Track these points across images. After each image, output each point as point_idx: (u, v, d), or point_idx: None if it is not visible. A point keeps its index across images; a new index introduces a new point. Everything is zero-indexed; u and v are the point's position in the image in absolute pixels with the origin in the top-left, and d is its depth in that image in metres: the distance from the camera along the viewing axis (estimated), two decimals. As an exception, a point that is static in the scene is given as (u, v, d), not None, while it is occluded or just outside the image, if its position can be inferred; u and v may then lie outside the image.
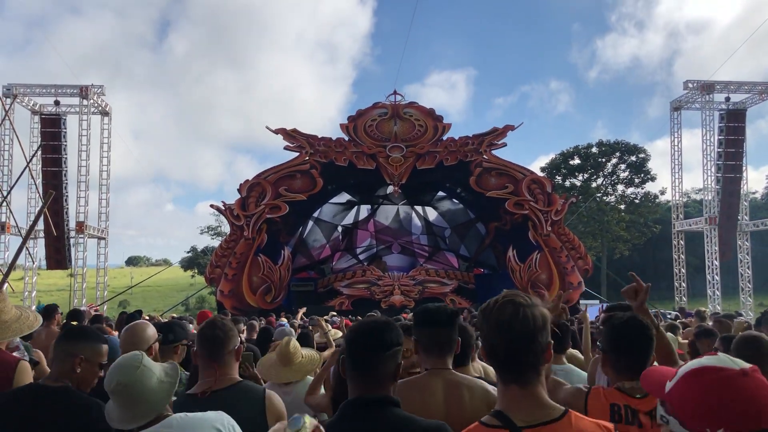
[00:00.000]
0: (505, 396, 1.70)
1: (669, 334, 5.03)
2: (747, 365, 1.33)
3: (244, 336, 6.95)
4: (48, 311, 7.01)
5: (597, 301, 26.42)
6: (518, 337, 1.65)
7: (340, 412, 2.04)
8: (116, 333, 5.55)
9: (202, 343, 2.71)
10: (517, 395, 1.67)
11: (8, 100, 23.21)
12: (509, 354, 1.67)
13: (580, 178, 51.05)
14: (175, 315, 15.30)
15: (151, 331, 3.32)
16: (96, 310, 10.48)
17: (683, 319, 10.55)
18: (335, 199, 24.17)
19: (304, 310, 9.95)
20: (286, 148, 21.19)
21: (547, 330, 1.69)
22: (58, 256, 23.84)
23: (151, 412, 2.10)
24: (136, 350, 2.72)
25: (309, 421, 1.61)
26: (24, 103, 24.80)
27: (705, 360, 1.37)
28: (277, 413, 2.73)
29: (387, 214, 25.57)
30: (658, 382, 1.45)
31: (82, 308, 15.86)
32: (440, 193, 24.82)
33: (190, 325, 7.68)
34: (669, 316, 12.43)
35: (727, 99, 26.69)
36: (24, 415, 2.49)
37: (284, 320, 9.73)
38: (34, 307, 18.62)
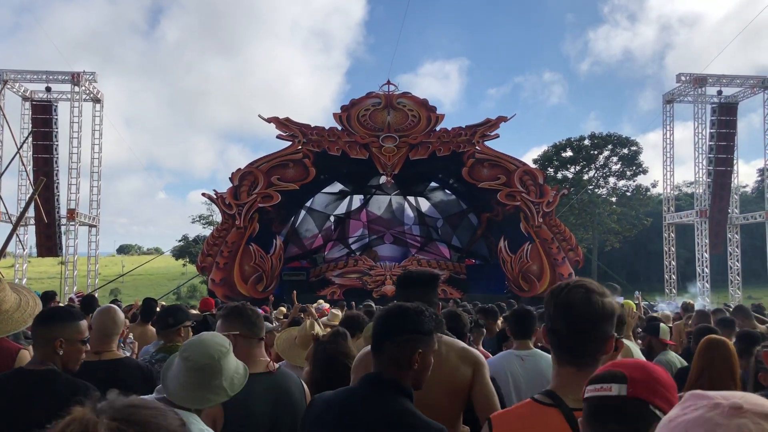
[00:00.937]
0: (559, 376, 1.73)
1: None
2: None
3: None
4: (46, 298, 7.02)
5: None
6: (582, 320, 1.69)
7: (359, 382, 2.11)
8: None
9: (251, 327, 2.69)
10: (572, 377, 1.68)
11: (-2, 86, 23.02)
12: (570, 335, 1.71)
13: (572, 170, 51.16)
14: (164, 303, 15.27)
15: (123, 315, 3.40)
16: (80, 297, 10.41)
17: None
18: (328, 189, 24.15)
19: (295, 293, 9.97)
20: (279, 137, 21.14)
21: (612, 321, 1.71)
22: (49, 244, 23.72)
23: (214, 400, 2.12)
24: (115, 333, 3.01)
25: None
26: (15, 89, 24.58)
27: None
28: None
29: (379, 204, 25.57)
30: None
31: (72, 296, 15.82)
32: (433, 184, 24.84)
33: (193, 311, 7.69)
34: (656, 309, 12.50)
35: (719, 92, 26.77)
36: (11, 400, 2.50)
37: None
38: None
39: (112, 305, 3.52)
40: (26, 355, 3.19)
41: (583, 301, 1.69)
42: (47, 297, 7.07)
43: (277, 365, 2.78)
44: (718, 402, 0.83)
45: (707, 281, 26.54)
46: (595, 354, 1.70)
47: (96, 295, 9.67)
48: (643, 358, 4.02)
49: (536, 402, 1.70)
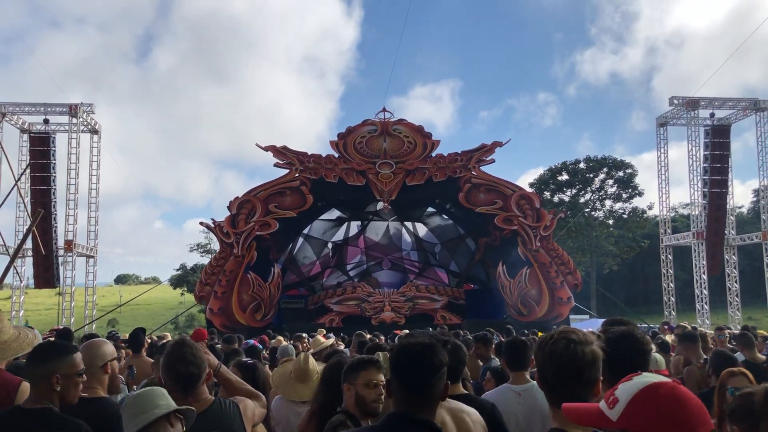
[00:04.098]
0: (559, 417, 1.84)
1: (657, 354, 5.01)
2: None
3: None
4: (64, 337, 6.99)
5: (587, 316, 26.54)
6: (566, 368, 1.84)
7: (385, 421, 2.06)
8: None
9: (175, 380, 2.63)
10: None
11: (-3, 119, 23.16)
12: (557, 382, 1.87)
13: (569, 193, 51.37)
14: (167, 335, 15.18)
15: (107, 348, 3.19)
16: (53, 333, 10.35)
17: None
18: (325, 216, 24.19)
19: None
20: (276, 165, 21.24)
21: (596, 366, 1.86)
22: (47, 275, 23.64)
23: (146, 420, 2.12)
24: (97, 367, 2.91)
25: None
26: (13, 122, 24.72)
27: (645, 378, 1.46)
28: (251, 416, 2.81)
29: (377, 230, 25.60)
30: (591, 413, 1.53)
31: (47, 333, 15.71)
32: (430, 209, 24.90)
33: None
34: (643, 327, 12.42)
35: (712, 115, 27.06)
36: None
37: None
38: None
39: (95, 340, 3.41)
40: (27, 387, 3.13)
41: (564, 351, 1.85)
42: (65, 336, 7.02)
43: (212, 398, 2.73)
44: None
45: (706, 303, 26.51)
46: (584, 397, 1.82)
47: (72, 330, 9.56)
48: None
49: None
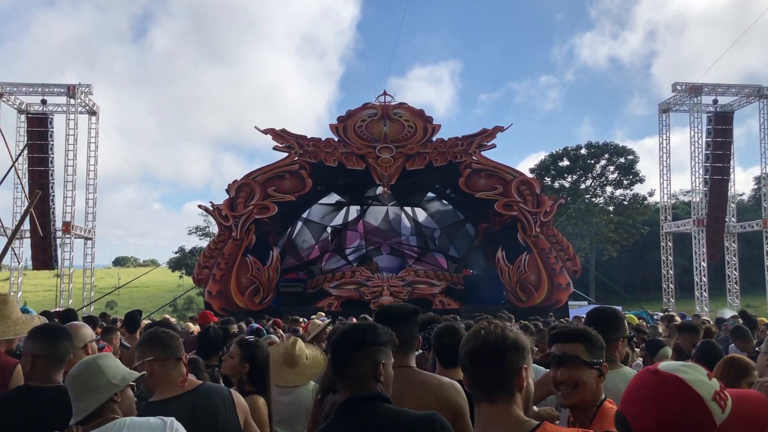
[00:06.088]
0: (479, 418, 1.77)
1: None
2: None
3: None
4: (69, 317, 7.02)
5: (585, 303, 26.55)
6: (481, 351, 1.74)
7: (335, 415, 2.10)
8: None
9: (165, 348, 2.71)
10: (490, 414, 1.73)
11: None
12: (474, 367, 1.75)
13: (569, 179, 51.31)
14: (167, 316, 15.13)
15: (87, 330, 3.32)
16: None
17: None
18: (324, 200, 24.09)
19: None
20: (275, 148, 21.11)
21: (520, 354, 1.74)
22: (45, 257, 23.62)
23: (86, 409, 2.12)
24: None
25: None
26: (10, 102, 24.55)
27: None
28: (245, 409, 2.85)
29: (376, 215, 25.50)
30: None
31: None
32: (430, 194, 24.79)
33: (193, 326, 7.63)
34: (656, 318, 12.39)
35: (715, 101, 26.89)
36: (20, 419, 2.55)
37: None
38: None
39: (74, 323, 3.55)
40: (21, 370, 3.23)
41: (476, 334, 1.77)
42: (70, 317, 7.04)
43: (200, 381, 2.80)
44: None
45: (705, 290, 26.51)
46: (505, 386, 1.72)
47: (75, 310, 9.59)
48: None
49: None
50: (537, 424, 1.69)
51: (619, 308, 6.74)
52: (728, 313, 14.75)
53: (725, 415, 1.25)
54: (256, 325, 7.90)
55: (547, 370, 2.63)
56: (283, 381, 3.83)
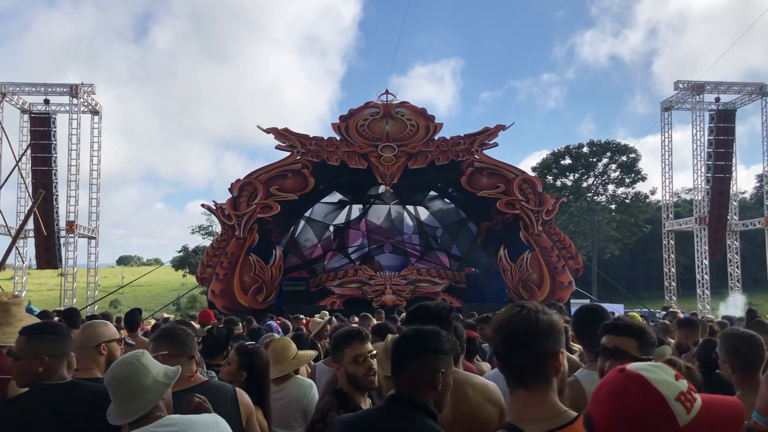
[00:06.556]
0: (514, 405, 1.67)
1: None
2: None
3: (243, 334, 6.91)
4: (71, 316, 7.11)
5: (587, 301, 26.58)
6: (516, 336, 1.65)
7: (384, 402, 2.08)
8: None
9: (179, 346, 2.79)
10: (526, 401, 1.64)
11: (-3, 99, 23.07)
12: (508, 353, 1.67)
13: (571, 177, 51.30)
14: (167, 315, 15.23)
15: (105, 330, 3.16)
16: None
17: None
18: (327, 199, 24.13)
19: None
20: (278, 147, 21.15)
21: (555, 337, 1.65)
22: (48, 256, 23.70)
23: (141, 409, 2.12)
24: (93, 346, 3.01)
25: None
26: (13, 102, 24.62)
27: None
28: (248, 407, 2.89)
29: (379, 213, 25.55)
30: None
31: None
32: (432, 193, 24.84)
33: (197, 325, 7.67)
34: (659, 316, 12.42)
35: (717, 99, 26.87)
36: (44, 414, 2.50)
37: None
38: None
39: (94, 321, 3.42)
40: None
41: (514, 317, 1.67)
42: (73, 317, 7.11)
43: (207, 377, 2.86)
44: None
45: (707, 288, 26.51)
46: (542, 372, 1.64)
47: (78, 309, 9.67)
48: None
49: None
50: (576, 415, 1.61)
51: (621, 306, 6.80)
52: (731, 304, 14.78)
53: (690, 417, 1.24)
54: (275, 324, 7.75)
55: None
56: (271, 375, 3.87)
